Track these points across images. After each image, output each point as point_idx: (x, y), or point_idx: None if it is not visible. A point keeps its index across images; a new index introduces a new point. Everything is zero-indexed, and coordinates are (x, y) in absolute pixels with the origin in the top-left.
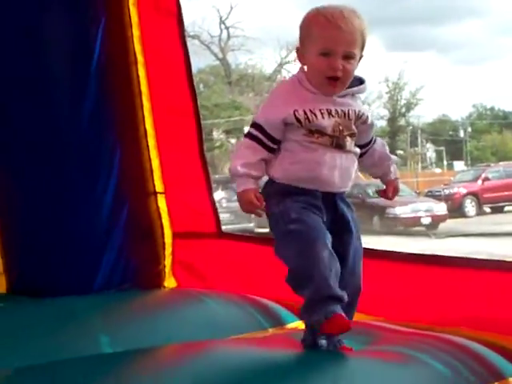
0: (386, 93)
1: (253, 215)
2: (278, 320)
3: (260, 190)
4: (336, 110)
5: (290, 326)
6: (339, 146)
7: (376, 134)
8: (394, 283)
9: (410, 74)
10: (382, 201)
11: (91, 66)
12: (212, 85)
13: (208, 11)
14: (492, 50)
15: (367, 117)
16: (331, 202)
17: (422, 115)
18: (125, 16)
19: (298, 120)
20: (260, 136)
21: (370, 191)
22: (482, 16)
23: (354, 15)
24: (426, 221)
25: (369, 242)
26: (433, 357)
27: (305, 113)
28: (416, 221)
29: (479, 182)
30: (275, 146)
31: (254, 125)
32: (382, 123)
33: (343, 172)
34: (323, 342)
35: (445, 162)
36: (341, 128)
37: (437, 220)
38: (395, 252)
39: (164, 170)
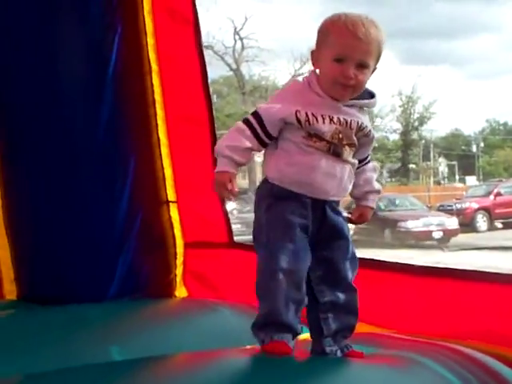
0: (400, 106)
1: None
2: None
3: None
4: (338, 118)
5: (301, 337)
6: (336, 153)
7: (388, 148)
8: (406, 296)
9: (424, 87)
10: (393, 214)
11: (107, 75)
12: (226, 95)
13: (222, 22)
14: (506, 65)
15: (370, 130)
16: (320, 210)
17: (435, 129)
18: (140, 24)
19: (298, 121)
20: (256, 126)
21: (382, 204)
22: (496, 31)
23: (374, 25)
24: (438, 235)
25: (380, 254)
26: (445, 367)
27: (306, 115)
28: (427, 235)
29: (491, 197)
30: (268, 141)
31: (255, 113)
32: (394, 137)
33: (337, 181)
34: (331, 348)
35: (457, 177)
36: (340, 136)
37: (448, 234)
38: (407, 264)
39: (177, 180)
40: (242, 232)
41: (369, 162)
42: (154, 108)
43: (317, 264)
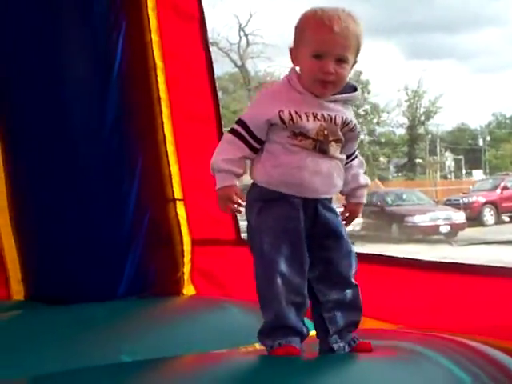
0: (406, 101)
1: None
2: None
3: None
4: (322, 114)
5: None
6: (323, 150)
7: (395, 143)
8: (413, 291)
9: (430, 82)
10: (400, 209)
11: (113, 74)
12: (231, 92)
13: (227, 18)
14: (511, 59)
15: (355, 125)
16: (312, 209)
17: (441, 123)
18: (144, 21)
19: (282, 120)
20: (243, 133)
21: (389, 199)
22: (502, 24)
23: (351, 19)
24: (445, 229)
25: (387, 249)
26: (453, 361)
27: (290, 114)
28: (435, 229)
29: (498, 190)
30: (258, 146)
31: (239, 121)
32: (401, 131)
33: (326, 178)
34: (338, 345)
35: (463, 171)
36: (326, 133)
37: (455, 228)
38: (415, 260)
39: (184, 177)
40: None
41: (356, 157)
42: (160, 105)
43: (314, 264)
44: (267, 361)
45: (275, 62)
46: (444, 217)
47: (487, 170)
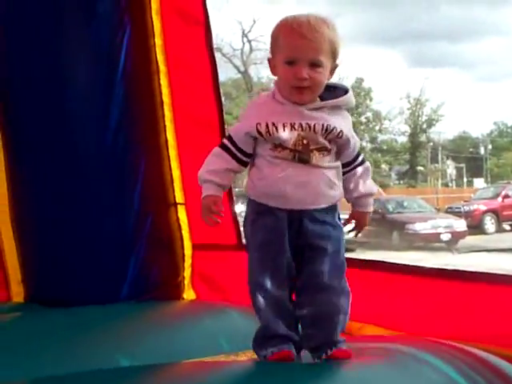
0: (408, 109)
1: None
2: None
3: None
4: (300, 124)
5: None
6: (303, 160)
7: (396, 150)
8: (415, 297)
9: (432, 90)
10: (401, 216)
11: (117, 76)
12: (234, 98)
13: (231, 24)
14: None
15: (341, 131)
16: (297, 221)
17: (443, 131)
18: (147, 24)
19: (259, 133)
20: (230, 146)
21: (390, 206)
22: (504, 34)
23: (323, 23)
24: (446, 237)
25: (388, 257)
26: (454, 368)
27: (267, 126)
28: (435, 237)
29: (499, 199)
30: (245, 159)
31: (227, 135)
32: (403, 139)
33: (312, 188)
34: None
35: (465, 179)
36: (305, 142)
37: (456, 236)
38: (417, 266)
39: (185, 181)
40: None
41: (359, 164)
42: (162, 109)
43: (298, 276)
44: (266, 367)
45: None
46: (445, 225)
47: (488, 179)
